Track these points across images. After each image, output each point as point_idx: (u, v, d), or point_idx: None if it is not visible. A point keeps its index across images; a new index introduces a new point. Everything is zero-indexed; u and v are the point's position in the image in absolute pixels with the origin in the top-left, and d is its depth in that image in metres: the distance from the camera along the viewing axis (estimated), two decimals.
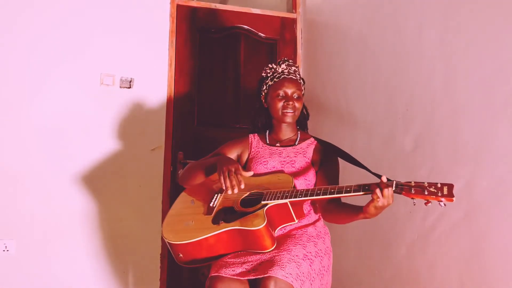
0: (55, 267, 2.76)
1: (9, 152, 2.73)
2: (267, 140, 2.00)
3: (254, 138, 2.02)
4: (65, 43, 2.86)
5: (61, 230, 2.78)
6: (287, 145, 1.95)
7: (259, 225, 1.60)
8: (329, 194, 1.58)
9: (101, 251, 2.86)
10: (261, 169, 1.88)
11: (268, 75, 1.97)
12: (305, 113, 2.03)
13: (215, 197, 1.82)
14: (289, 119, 1.91)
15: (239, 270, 1.59)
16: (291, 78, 1.93)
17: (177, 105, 3.06)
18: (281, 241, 1.71)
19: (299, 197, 1.64)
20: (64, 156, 2.81)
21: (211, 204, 1.79)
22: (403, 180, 1.50)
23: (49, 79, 2.82)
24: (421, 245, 2.11)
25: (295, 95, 1.91)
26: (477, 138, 1.84)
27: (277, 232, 1.74)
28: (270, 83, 1.94)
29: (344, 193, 1.56)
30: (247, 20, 3.26)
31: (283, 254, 1.61)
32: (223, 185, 1.69)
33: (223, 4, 3.27)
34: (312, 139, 1.97)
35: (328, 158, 1.89)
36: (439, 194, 1.40)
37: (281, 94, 1.90)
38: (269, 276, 1.51)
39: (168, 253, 2.87)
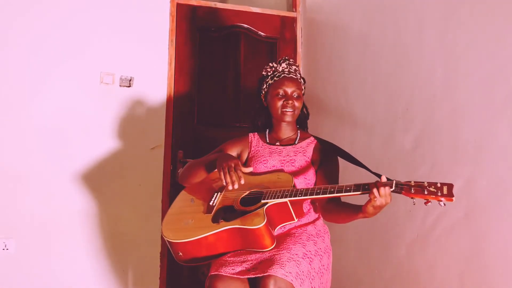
0: (55, 265, 2.76)
1: (8, 151, 2.73)
2: (267, 139, 2.00)
3: (254, 137, 2.02)
4: (65, 42, 2.86)
5: (60, 228, 2.78)
6: (287, 144, 1.95)
7: (259, 224, 1.60)
8: (328, 194, 1.58)
9: (101, 250, 2.86)
10: (261, 168, 1.88)
11: (269, 74, 1.96)
12: (305, 112, 2.03)
13: (214, 195, 1.82)
14: (288, 118, 1.91)
15: (238, 268, 1.59)
16: (291, 77, 1.92)
17: (177, 104, 3.06)
18: (280, 240, 1.71)
19: (299, 197, 1.64)
20: (63, 155, 2.81)
21: (210, 203, 1.79)
22: (403, 179, 1.50)
23: (49, 78, 2.82)
24: (421, 245, 2.11)
25: (295, 94, 1.91)
26: (477, 138, 1.84)
27: (277, 230, 1.74)
28: (270, 82, 1.94)
29: (344, 192, 1.56)
30: (247, 19, 3.26)
31: (283, 253, 1.61)
32: (223, 180, 1.69)
33: (223, 3, 3.27)
34: (312, 138, 1.96)
35: (328, 157, 1.89)
36: (439, 194, 1.40)
37: (281, 93, 1.90)
38: (268, 275, 1.51)
39: (168, 252, 2.87)
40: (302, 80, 1.99)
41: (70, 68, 2.86)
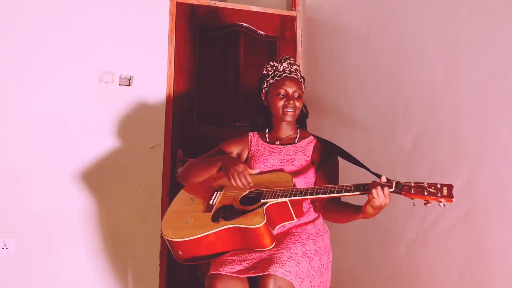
0: (55, 265, 2.76)
1: (8, 149, 2.72)
2: (267, 138, 1.99)
3: (253, 136, 2.02)
4: (64, 41, 2.85)
5: (60, 228, 2.78)
6: (286, 143, 1.95)
7: (259, 223, 1.60)
8: (328, 194, 1.59)
9: (101, 249, 2.85)
10: (260, 167, 1.87)
11: (269, 73, 1.96)
12: (305, 111, 2.03)
13: (214, 194, 1.82)
14: (289, 118, 1.91)
15: (238, 268, 1.59)
16: (293, 77, 1.92)
17: (176, 103, 3.06)
18: (280, 239, 1.71)
19: (298, 196, 1.64)
20: (63, 153, 2.81)
21: (210, 202, 1.79)
22: (403, 179, 1.50)
23: (48, 77, 2.81)
24: (421, 244, 2.11)
25: (296, 94, 1.91)
26: (477, 138, 1.84)
27: (276, 230, 1.74)
28: (271, 81, 1.94)
29: (344, 192, 1.57)
30: (247, 18, 3.25)
31: (283, 252, 1.61)
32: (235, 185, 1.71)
33: (223, 2, 3.26)
34: (311, 137, 1.96)
35: (328, 157, 1.89)
36: (439, 195, 1.40)
37: (282, 93, 1.90)
38: (268, 274, 1.52)
39: (167, 251, 2.87)
40: (302, 79, 1.98)
41: (69, 67, 2.85)
